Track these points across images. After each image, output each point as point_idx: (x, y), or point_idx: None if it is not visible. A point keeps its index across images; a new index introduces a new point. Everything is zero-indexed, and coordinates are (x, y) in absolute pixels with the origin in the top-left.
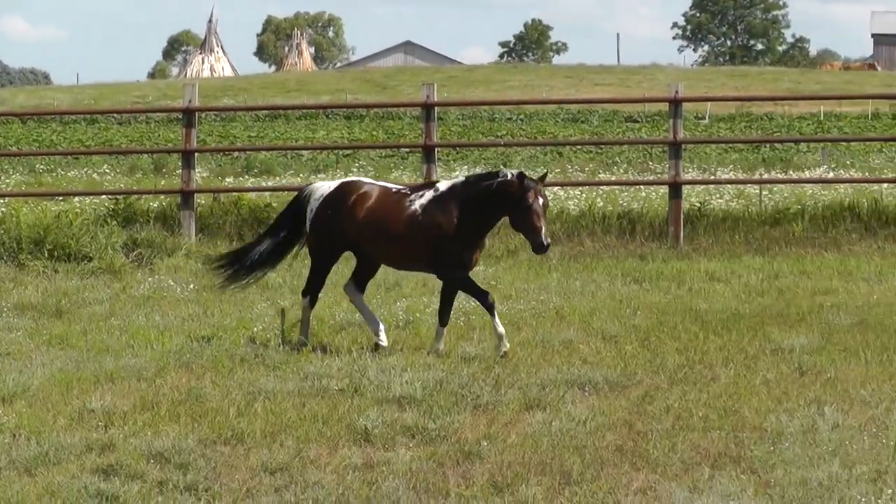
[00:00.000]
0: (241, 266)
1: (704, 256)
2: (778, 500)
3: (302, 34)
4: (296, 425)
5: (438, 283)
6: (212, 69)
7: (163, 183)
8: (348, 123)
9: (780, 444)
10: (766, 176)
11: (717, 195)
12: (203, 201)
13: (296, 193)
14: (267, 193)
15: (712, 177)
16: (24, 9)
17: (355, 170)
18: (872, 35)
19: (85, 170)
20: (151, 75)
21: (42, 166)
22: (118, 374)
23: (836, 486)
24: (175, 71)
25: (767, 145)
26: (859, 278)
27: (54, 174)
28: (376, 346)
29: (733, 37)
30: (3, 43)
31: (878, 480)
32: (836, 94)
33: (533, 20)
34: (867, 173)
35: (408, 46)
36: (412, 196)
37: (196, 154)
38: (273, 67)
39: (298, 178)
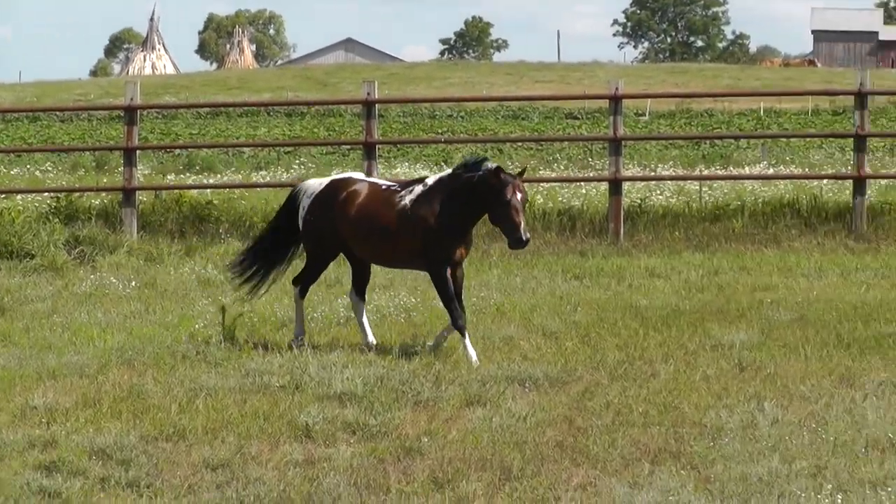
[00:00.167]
0: (253, 273)
1: (644, 253)
2: (718, 495)
3: (243, 32)
4: (237, 422)
5: (379, 280)
6: (153, 67)
7: (105, 180)
8: (289, 121)
9: (719, 440)
10: (706, 172)
11: (658, 191)
12: (145, 199)
13: (289, 191)
14: (208, 191)
15: (652, 173)
16: None
17: (296, 167)
18: (812, 31)
19: (27, 167)
20: (94, 73)
21: None
22: (60, 372)
23: (776, 482)
24: (117, 69)
25: (707, 142)
26: (799, 274)
27: None
28: (369, 348)
29: (673, 34)
30: None
31: (817, 476)
32: (775, 91)
33: (473, 17)
34: (807, 169)
35: (349, 44)
36: (402, 192)
37: (138, 151)
38: (215, 65)
39: (240, 176)
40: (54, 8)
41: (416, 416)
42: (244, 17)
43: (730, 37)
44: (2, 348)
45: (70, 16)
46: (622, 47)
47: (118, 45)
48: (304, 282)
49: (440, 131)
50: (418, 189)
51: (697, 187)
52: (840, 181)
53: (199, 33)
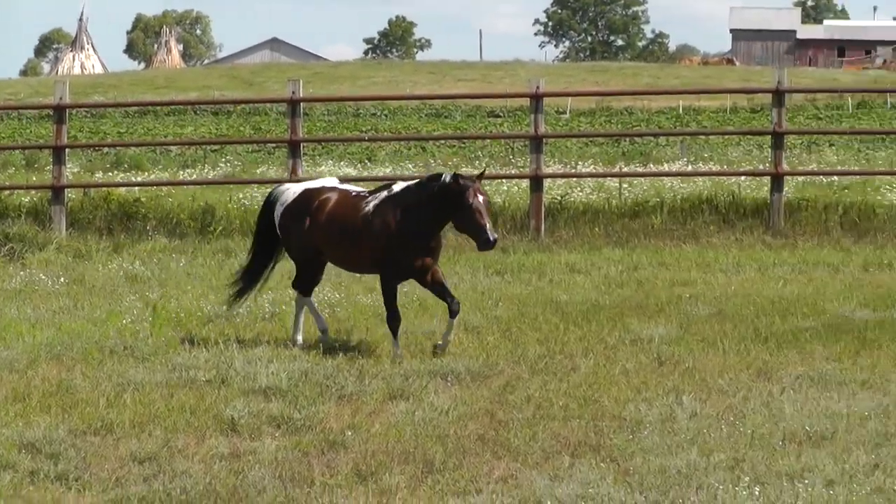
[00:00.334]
0: (249, 281)
1: (565, 248)
2: (637, 487)
3: (170, 32)
4: (164, 416)
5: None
6: (83, 67)
7: (34, 178)
8: (216, 119)
9: (639, 433)
10: (625, 169)
11: (578, 188)
12: (74, 196)
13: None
14: (136, 188)
15: (573, 170)
16: None
17: (223, 165)
18: (731, 30)
19: None
20: (23, 73)
21: None
22: None
23: (695, 474)
24: (47, 68)
25: (627, 139)
26: (717, 269)
27: None
28: (294, 343)
29: (594, 33)
30: None
31: (735, 468)
32: (694, 89)
33: (397, 17)
34: (725, 166)
35: (274, 43)
36: (369, 198)
37: (67, 150)
38: (143, 65)
39: (167, 173)
40: None
41: (339, 410)
42: (171, 18)
43: (649, 36)
44: None
45: None
46: (543, 46)
47: (48, 45)
48: (301, 287)
49: (364, 130)
50: (383, 195)
51: (617, 184)
52: (758, 178)
53: (128, 33)
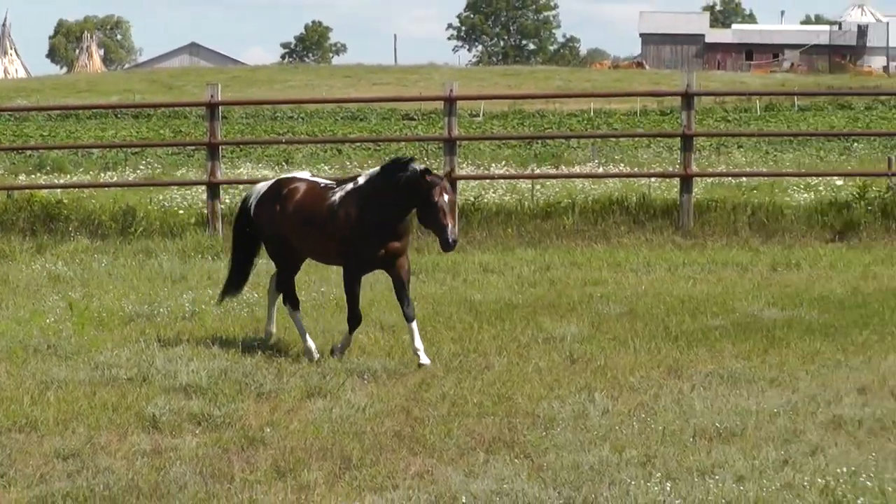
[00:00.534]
0: (237, 281)
1: (479, 249)
2: (550, 483)
3: (92, 37)
4: (87, 413)
5: (222, 275)
6: (5, 71)
7: None
8: (136, 122)
9: (552, 430)
10: (537, 171)
11: (491, 190)
12: None
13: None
14: (59, 190)
15: (486, 172)
16: None
17: (143, 167)
18: (641, 34)
19: None
20: None
21: None
22: None
23: (607, 470)
24: None
25: (539, 142)
26: (628, 269)
27: None
28: (268, 336)
29: (506, 37)
30: None
31: (647, 464)
32: (604, 92)
33: (313, 22)
34: (635, 168)
35: (193, 48)
36: (335, 189)
37: None
38: (65, 69)
39: (89, 176)
40: None
41: (258, 408)
42: (92, 23)
43: (561, 40)
44: None
45: None
46: (457, 50)
47: None
48: (283, 288)
49: (281, 132)
50: (349, 186)
51: (530, 186)
52: (667, 179)
53: (50, 38)
